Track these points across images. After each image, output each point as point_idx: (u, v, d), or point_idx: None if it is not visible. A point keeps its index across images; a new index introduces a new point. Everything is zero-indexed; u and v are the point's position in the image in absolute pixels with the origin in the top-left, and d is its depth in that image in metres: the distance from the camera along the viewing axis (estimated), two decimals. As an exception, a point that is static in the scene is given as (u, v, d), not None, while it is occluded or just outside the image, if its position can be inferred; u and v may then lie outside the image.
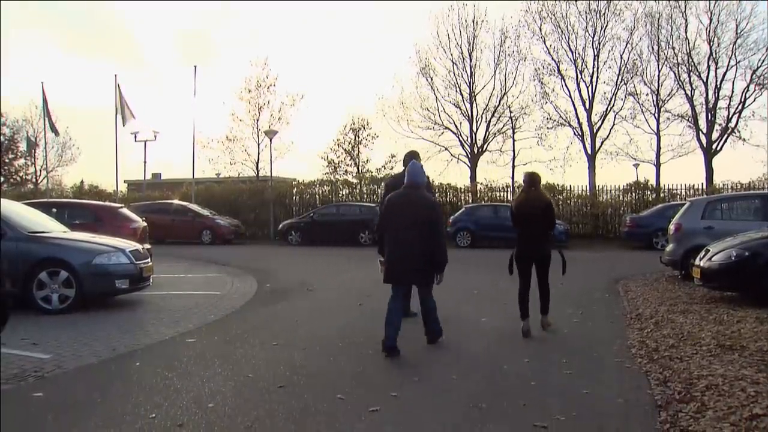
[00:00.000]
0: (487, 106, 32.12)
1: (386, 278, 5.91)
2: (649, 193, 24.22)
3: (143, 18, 66.40)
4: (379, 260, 6.29)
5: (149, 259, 9.02)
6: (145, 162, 29.94)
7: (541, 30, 31.45)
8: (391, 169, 33.06)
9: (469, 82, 32.23)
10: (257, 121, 30.88)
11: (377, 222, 6.60)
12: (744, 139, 29.43)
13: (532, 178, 7.04)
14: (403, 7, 50.97)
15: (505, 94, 31.80)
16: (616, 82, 30.68)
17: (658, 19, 29.93)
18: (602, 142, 31.22)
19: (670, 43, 29.80)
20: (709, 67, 29.49)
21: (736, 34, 28.87)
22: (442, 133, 32.81)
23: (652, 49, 30.14)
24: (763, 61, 28.65)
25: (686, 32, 29.77)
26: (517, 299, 6.78)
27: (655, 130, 30.70)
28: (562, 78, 31.42)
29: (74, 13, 67.33)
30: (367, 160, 35.20)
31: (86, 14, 67.75)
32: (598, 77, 31.15)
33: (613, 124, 31.03)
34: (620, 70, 30.52)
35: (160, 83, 69.17)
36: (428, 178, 6.56)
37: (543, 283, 6.94)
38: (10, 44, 58.43)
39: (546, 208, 6.83)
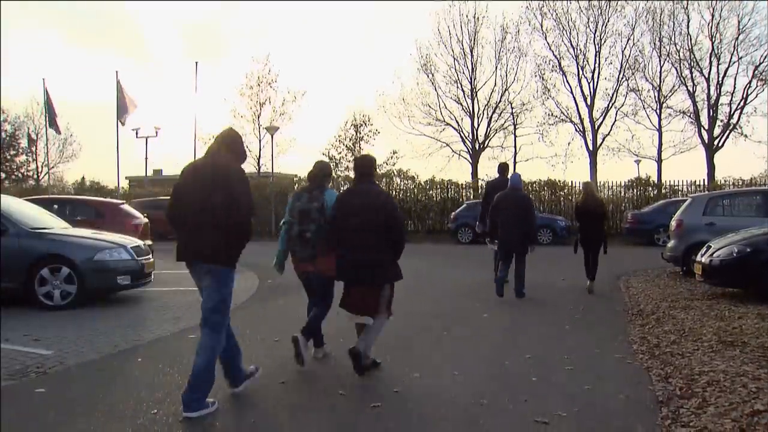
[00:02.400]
0: (488, 102, 32.14)
1: (502, 254, 9.07)
2: (650, 189, 24.20)
3: (148, 11, 66.32)
4: (487, 240, 9.80)
5: (151, 256, 9.04)
6: (146, 158, 30.02)
7: (542, 26, 31.47)
8: (393, 165, 33.10)
9: (470, 78, 32.25)
10: (258, 117, 30.91)
11: (490, 213, 9.29)
12: (746, 136, 29.45)
13: (591, 187, 10.37)
14: (405, 3, 50.92)
15: (506, 90, 31.83)
16: (618, 78, 30.70)
17: (660, 14, 29.94)
18: (603, 139, 31.23)
19: (672, 39, 29.79)
20: (710, 63, 29.48)
21: (738, 30, 28.86)
22: (444, 129, 32.85)
23: (654, 45, 30.15)
24: (765, 57, 28.68)
25: (688, 28, 29.78)
26: (514, 297, 8.61)
27: (657, 127, 30.72)
28: (564, 74, 31.44)
29: (78, 5, 67.25)
30: (368, 157, 35.13)
31: (89, 7, 67.68)
32: (599, 73, 31.18)
33: (615, 120, 31.06)
34: (622, 66, 30.54)
35: (163, 78, 69.19)
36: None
37: (594, 259, 9.58)
38: (11, 38, 58.45)
39: (603, 208, 9.97)
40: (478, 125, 32.48)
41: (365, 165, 5.19)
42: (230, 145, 4.28)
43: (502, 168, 10.64)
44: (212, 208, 4.04)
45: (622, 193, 24.46)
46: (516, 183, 9.17)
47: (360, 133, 34.76)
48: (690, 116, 30.11)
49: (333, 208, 5.14)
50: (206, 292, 4.15)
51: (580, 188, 10.52)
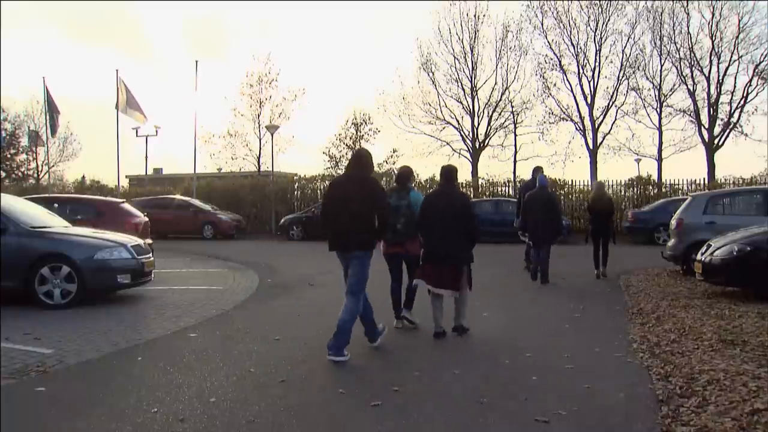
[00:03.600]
0: (488, 100, 32.06)
1: (534, 244, 10.46)
2: (650, 188, 24.17)
3: (148, 9, 66.24)
4: (520, 233, 10.99)
5: (151, 254, 9.04)
6: (146, 157, 30.00)
7: (542, 24, 31.37)
8: (393, 163, 33.03)
9: (471, 77, 32.16)
10: (259, 116, 30.90)
11: (522, 209, 10.90)
12: (746, 134, 29.36)
13: (602, 186, 12.68)
14: (405, 2, 50.87)
15: (506, 88, 31.74)
16: (618, 76, 30.60)
17: (660, 13, 29.83)
18: (604, 137, 31.17)
19: (672, 37, 29.71)
20: (711, 61, 29.39)
21: (739, 28, 28.77)
22: (444, 128, 32.78)
23: (654, 43, 30.07)
24: (766, 55, 28.57)
25: (688, 27, 29.69)
26: (515, 296, 8.87)
27: (657, 125, 30.64)
28: (564, 73, 31.36)
29: (78, 3, 67.15)
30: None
31: (90, 5, 67.59)
32: (600, 72, 31.08)
33: (615, 119, 30.98)
34: (622, 64, 30.44)
35: (164, 76, 69.17)
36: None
37: (606, 249, 11.07)
38: (11, 35, 58.42)
39: (612, 205, 11.75)
40: (479, 124, 32.44)
41: (449, 173, 6.72)
42: (361, 160, 5.75)
43: (535, 170, 11.79)
44: (359, 210, 5.47)
45: (623, 192, 24.43)
46: (543, 182, 10.67)
47: (360, 132, 34.75)
48: (690, 115, 30.06)
49: (422, 206, 6.50)
50: (352, 271, 5.57)
51: (593, 187, 12.47)
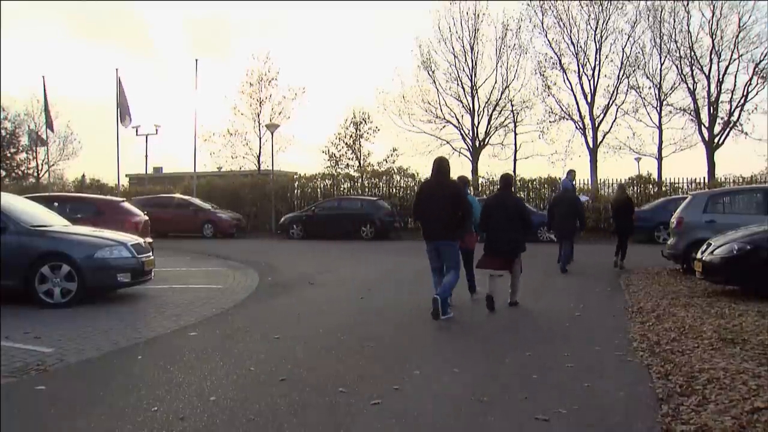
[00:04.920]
0: (488, 99, 32.06)
1: (558, 238, 12.17)
2: (650, 186, 24.18)
3: (149, 7, 66.18)
4: (547, 229, 13.34)
5: (151, 253, 9.04)
6: (146, 156, 29.97)
7: (542, 23, 31.37)
8: (393, 162, 33.08)
9: (471, 76, 32.16)
10: (259, 114, 30.90)
11: (548, 208, 12.85)
12: (746, 133, 29.37)
13: (624, 188, 14.63)
14: (406, 1, 50.81)
15: (506, 87, 31.75)
16: (618, 75, 30.61)
17: (661, 12, 29.84)
18: (604, 136, 31.18)
19: (673, 36, 29.71)
20: (711, 60, 29.39)
21: (739, 27, 28.77)
22: (444, 126, 32.79)
23: (655, 42, 30.06)
24: (766, 54, 28.56)
25: (688, 25, 29.69)
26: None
27: (657, 124, 30.65)
28: (564, 71, 31.35)
29: (79, 2, 67.04)
30: (368, 154, 35.16)
31: (91, 4, 67.51)
32: (600, 71, 31.08)
33: (615, 118, 30.98)
34: (622, 63, 30.44)
35: (164, 75, 69.11)
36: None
37: (624, 244, 12.46)
38: (12, 33, 58.37)
39: (632, 205, 13.43)
40: (479, 123, 32.43)
41: (507, 180, 8.44)
42: (441, 168, 7.20)
43: (568, 173, 14.05)
44: (442, 207, 6.96)
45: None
46: (566, 185, 13.01)
47: (360, 131, 34.76)
48: (690, 114, 30.06)
49: (482, 209, 8.15)
50: (445, 256, 7.16)
51: (616, 187, 14.61)
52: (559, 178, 24.65)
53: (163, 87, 69.17)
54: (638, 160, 32.05)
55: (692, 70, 29.68)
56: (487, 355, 5.58)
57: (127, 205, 13.64)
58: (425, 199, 7.18)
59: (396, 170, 26.95)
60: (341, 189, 26.25)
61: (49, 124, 30.47)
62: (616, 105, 30.77)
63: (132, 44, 68.29)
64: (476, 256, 8.31)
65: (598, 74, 31.06)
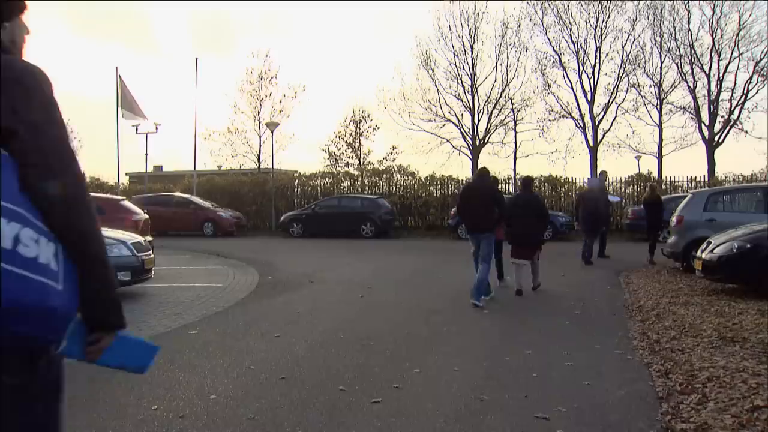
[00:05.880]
0: (488, 97, 32.02)
1: (589, 232, 12.89)
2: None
3: (149, 5, 66.05)
4: (576, 225, 14.41)
5: (151, 252, 9.03)
6: (146, 154, 29.91)
7: (542, 21, 31.34)
8: (393, 160, 33.07)
9: (471, 74, 32.11)
10: (259, 113, 30.91)
11: (576, 205, 14.18)
12: (746, 132, 29.32)
13: (655, 187, 14.56)
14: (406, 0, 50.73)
15: (506, 85, 31.71)
16: (618, 73, 30.56)
17: (661, 10, 29.79)
18: (604, 134, 31.16)
19: (673, 34, 29.67)
20: (711, 58, 29.35)
21: (739, 26, 28.72)
22: (444, 125, 32.77)
23: (655, 40, 30.02)
24: (766, 53, 28.50)
25: (689, 24, 29.65)
26: (514, 293, 8.93)
27: (657, 122, 30.62)
28: (564, 69, 31.32)
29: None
30: (368, 152, 35.16)
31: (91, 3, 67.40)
32: (600, 69, 31.03)
33: (615, 116, 30.95)
34: (622, 61, 30.39)
35: (164, 73, 68.97)
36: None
37: (656, 238, 13.18)
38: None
39: (662, 202, 14.00)
40: (479, 121, 32.41)
41: (528, 181, 9.68)
42: (482, 174, 8.80)
43: (600, 174, 15.21)
44: (482, 205, 8.22)
45: (623, 189, 24.42)
46: (591, 184, 14.30)
47: (360, 129, 34.76)
48: (690, 112, 30.03)
49: (508, 206, 8.92)
50: (483, 245, 8.16)
51: (648, 187, 14.94)
52: (560, 177, 24.81)
53: (163, 85, 69.05)
54: (638, 158, 32.05)
55: (692, 69, 29.66)
56: (487, 353, 5.58)
57: (127, 203, 13.67)
58: (469, 199, 8.42)
59: (396, 168, 26.95)
60: (341, 187, 26.25)
61: None
62: (616, 103, 30.76)
63: (133, 41, 68.20)
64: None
65: (598, 72, 31.05)
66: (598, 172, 15.74)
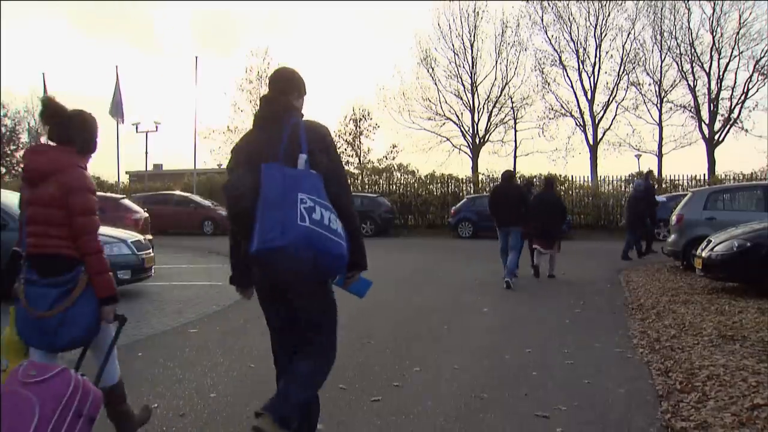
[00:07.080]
0: (488, 96, 32.08)
1: (630, 227, 13.74)
2: (650, 183, 24.14)
3: (149, 4, 65.97)
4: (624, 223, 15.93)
5: (151, 250, 9.03)
6: (146, 153, 29.95)
7: (542, 20, 31.36)
8: (393, 159, 33.09)
9: (471, 73, 32.18)
10: (259, 112, 30.89)
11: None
12: (746, 130, 29.40)
13: (649, 179, 15.59)
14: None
15: (506, 84, 31.77)
16: (618, 72, 30.63)
17: (661, 9, 29.84)
18: (604, 133, 31.22)
19: (673, 33, 29.73)
20: (711, 57, 29.40)
21: (739, 24, 28.77)
22: (444, 123, 32.82)
23: (655, 39, 30.08)
24: (766, 51, 28.57)
25: (689, 22, 29.72)
26: (514, 292, 9.12)
27: (657, 121, 30.67)
28: (564, 68, 31.38)
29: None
30: (368, 151, 35.22)
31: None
32: (600, 67, 31.11)
33: (615, 115, 31.03)
34: (622, 60, 30.47)
35: (165, 71, 68.93)
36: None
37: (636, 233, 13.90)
38: (11, 30, 58.27)
39: (645, 197, 14.41)
40: (479, 120, 32.45)
41: (549, 182, 11.35)
42: (508, 177, 10.06)
43: (647, 174, 16.00)
44: (510, 204, 9.53)
45: (623, 188, 24.43)
46: (637, 185, 14.52)
47: (360, 128, 34.78)
48: (691, 111, 30.07)
49: (531, 203, 10.08)
50: (512, 236, 9.58)
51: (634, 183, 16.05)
52: (560, 176, 24.85)
53: (163, 83, 69.03)
54: (638, 157, 32.07)
55: (692, 67, 29.69)
56: (487, 352, 5.57)
57: (127, 202, 13.67)
58: (499, 198, 9.82)
59: (396, 167, 26.98)
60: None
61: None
62: (616, 102, 30.83)
63: (133, 40, 68.18)
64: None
65: (598, 71, 31.11)
66: (645, 172, 16.50)
